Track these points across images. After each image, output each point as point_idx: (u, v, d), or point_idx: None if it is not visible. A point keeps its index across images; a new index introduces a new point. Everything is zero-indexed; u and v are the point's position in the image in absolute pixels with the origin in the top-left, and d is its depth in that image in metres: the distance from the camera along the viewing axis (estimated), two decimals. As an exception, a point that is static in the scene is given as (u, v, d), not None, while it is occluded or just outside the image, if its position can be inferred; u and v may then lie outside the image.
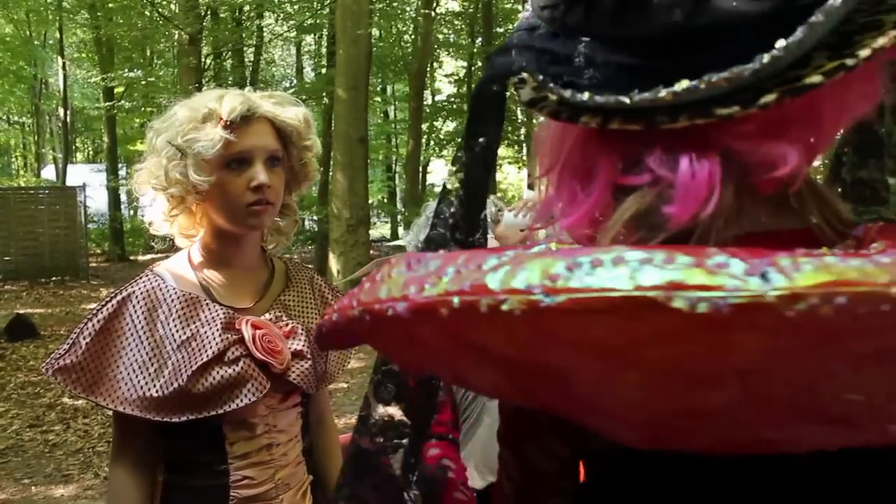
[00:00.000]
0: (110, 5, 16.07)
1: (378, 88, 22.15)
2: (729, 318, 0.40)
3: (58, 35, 18.73)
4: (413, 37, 17.61)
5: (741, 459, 0.59)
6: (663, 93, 0.53)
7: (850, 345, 0.42)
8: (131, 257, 17.38)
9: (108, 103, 16.98)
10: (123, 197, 18.66)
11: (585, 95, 0.56)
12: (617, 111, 0.56)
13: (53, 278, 13.65)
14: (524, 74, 0.63)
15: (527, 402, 0.60)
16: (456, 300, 0.45)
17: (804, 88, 0.51)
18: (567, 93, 0.58)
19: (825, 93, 0.53)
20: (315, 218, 14.65)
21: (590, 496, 0.72)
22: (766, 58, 0.51)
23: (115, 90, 17.50)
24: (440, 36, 18.31)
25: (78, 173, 19.90)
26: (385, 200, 25.01)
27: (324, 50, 18.80)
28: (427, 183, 22.18)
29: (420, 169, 18.00)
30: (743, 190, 0.57)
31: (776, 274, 0.40)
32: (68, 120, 20.80)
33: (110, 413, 4.74)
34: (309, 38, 21.45)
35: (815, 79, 0.51)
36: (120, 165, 18.29)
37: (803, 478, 0.61)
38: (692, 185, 0.55)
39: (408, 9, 16.65)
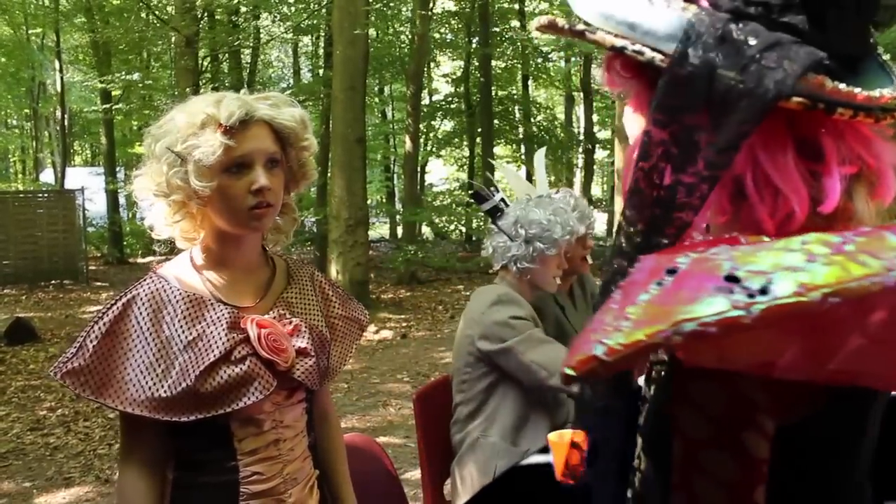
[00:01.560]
0: (107, 9, 16.08)
1: (375, 89, 22.14)
2: None
3: (55, 38, 18.70)
4: (410, 37, 17.62)
5: None
6: None
7: None
8: (130, 260, 17.36)
9: (105, 106, 16.97)
10: (122, 200, 18.66)
11: (857, 90, 0.64)
12: (861, 107, 0.64)
13: (53, 282, 13.64)
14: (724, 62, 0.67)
15: (872, 374, 0.62)
16: None
17: None
18: (842, 86, 0.64)
19: None
20: (314, 219, 14.66)
21: (777, 473, 0.73)
22: None
23: (113, 93, 17.49)
24: (437, 36, 18.31)
25: (76, 176, 19.88)
26: (384, 201, 24.99)
27: (321, 51, 18.82)
28: (425, 183, 22.18)
29: (418, 169, 17.99)
30: None
31: None
32: (66, 123, 20.78)
33: (111, 416, 4.73)
34: (306, 40, 21.44)
35: None
36: (118, 168, 18.28)
37: None
38: (890, 175, 0.66)
39: (404, 9, 16.65)
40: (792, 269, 0.51)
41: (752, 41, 0.65)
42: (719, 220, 0.72)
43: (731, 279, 0.51)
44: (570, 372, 0.53)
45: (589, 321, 0.57)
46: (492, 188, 2.55)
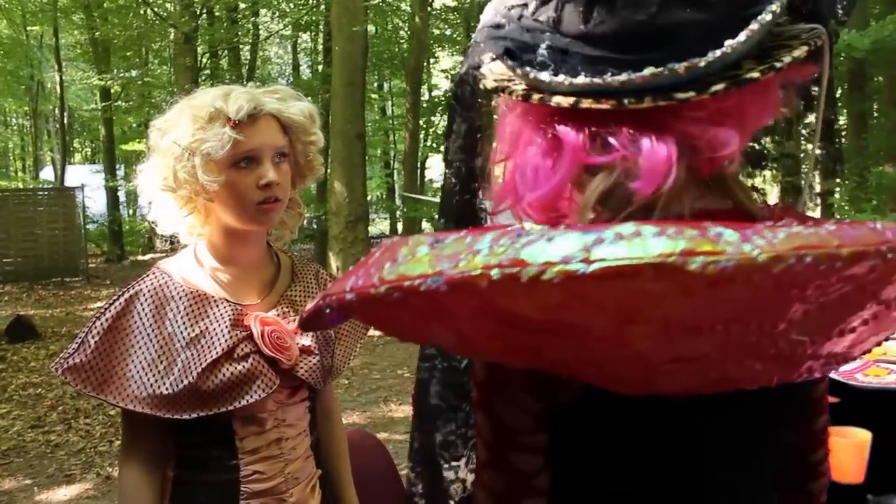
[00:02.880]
0: (106, 5, 16.05)
1: (375, 85, 22.10)
2: (731, 276, 0.50)
3: (53, 35, 18.67)
4: (409, 32, 17.59)
5: (699, 400, 0.71)
6: (634, 76, 0.63)
7: (807, 294, 0.55)
8: (130, 257, 17.37)
9: (104, 103, 16.96)
10: (122, 197, 18.66)
11: (560, 78, 0.65)
12: (588, 92, 0.65)
13: (53, 279, 13.64)
14: (488, 63, 0.72)
15: (528, 361, 0.68)
16: (496, 273, 0.52)
17: (746, 81, 0.64)
18: (543, 75, 0.65)
19: (748, 95, 0.67)
20: (314, 215, 14.66)
21: (554, 448, 0.80)
22: (718, 52, 0.62)
23: (112, 90, 17.47)
24: (436, 31, 18.27)
25: (76, 174, 19.89)
26: (384, 197, 24.98)
27: (320, 47, 18.79)
28: (426, 179, 22.16)
29: (418, 165, 17.97)
30: (687, 172, 0.67)
31: (762, 241, 0.50)
32: (65, 121, 20.77)
33: (112, 413, 4.73)
34: (305, 36, 21.41)
35: (754, 74, 0.64)
36: (118, 165, 18.28)
37: (748, 413, 0.77)
38: (655, 163, 0.64)
39: (403, 5, 16.62)
40: (393, 262, 0.57)
41: (481, 47, 0.70)
42: None
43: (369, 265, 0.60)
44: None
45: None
46: None
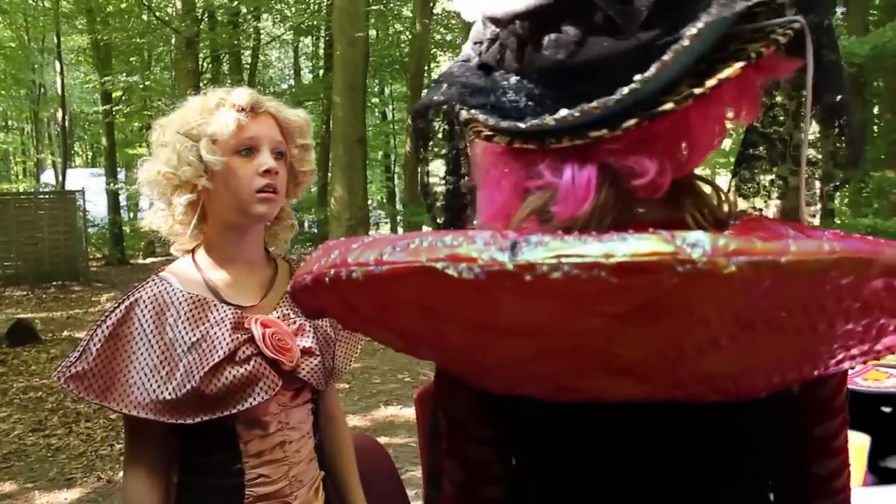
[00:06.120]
0: (108, 9, 16.09)
1: (376, 89, 22.13)
2: (484, 283, 0.53)
3: (55, 40, 18.71)
4: (410, 37, 17.61)
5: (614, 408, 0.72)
6: (548, 119, 0.65)
7: (600, 307, 0.54)
8: (131, 261, 17.38)
9: (106, 107, 16.99)
10: (123, 200, 18.68)
11: (492, 121, 0.70)
12: (517, 133, 0.69)
13: (54, 283, 13.65)
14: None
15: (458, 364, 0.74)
16: (332, 272, 0.60)
17: (658, 114, 0.63)
18: (482, 117, 0.71)
19: (691, 111, 0.65)
20: (315, 219, 14.66)
21: (518, 471, 0.88)
22: (625, 90, 0.62)
23: (113, 94, 17.50)
24: (437, 36, 18.30)
25: (77, 177, 19.90)
26: (384, 201, 25.01)
27: (321, 52, 18.83)
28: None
29: (419, 169, 17.96)
30: (625, 190, 0.69)
31: (508, 251, 0.52)
32: (67, 124, 20.79)
33: (113, 417, 4.72)
34: (306, 41, 21.46)
35: (668, 106, 0.63)
36: (119, 169, 18.30)
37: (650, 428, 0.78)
38: (572, 190, 0.68)
39: (404, 10, 16.64)
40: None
41: (443, 85, 0.77)
42: None
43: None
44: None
45: None
46: None
